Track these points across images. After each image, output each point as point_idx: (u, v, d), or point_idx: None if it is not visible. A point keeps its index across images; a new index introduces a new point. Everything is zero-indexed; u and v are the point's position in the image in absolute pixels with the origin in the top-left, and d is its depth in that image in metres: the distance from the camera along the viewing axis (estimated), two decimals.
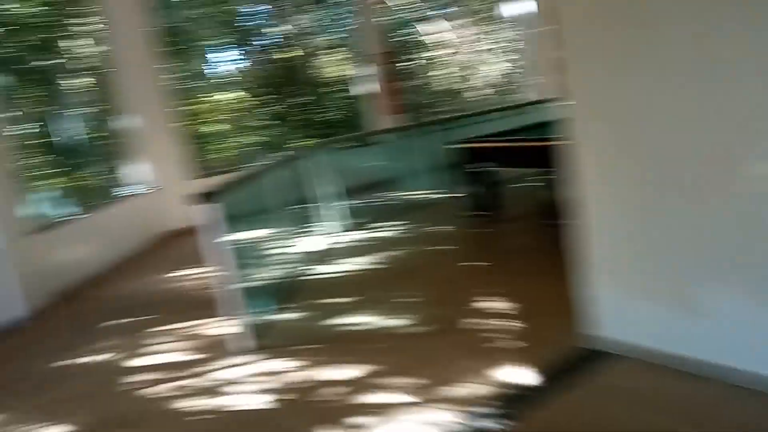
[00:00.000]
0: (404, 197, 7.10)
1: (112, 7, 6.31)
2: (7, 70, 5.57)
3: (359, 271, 4.76)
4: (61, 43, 6.24)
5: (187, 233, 6.91)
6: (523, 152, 5.01)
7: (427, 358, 2.98)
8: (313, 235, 5.45)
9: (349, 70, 10.22)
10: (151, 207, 6.75)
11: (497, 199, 5.67)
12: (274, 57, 10.93)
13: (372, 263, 4.90)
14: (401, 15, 11.37)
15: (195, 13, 8.59)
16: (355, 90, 8.92)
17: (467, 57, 11.95)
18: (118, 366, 3.52)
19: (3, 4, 5.86)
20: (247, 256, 3.73)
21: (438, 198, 6.81)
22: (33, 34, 6.11)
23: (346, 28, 10.80)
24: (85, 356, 3.75)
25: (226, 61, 10.90)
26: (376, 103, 8.50)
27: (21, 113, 5.99)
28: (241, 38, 10.29)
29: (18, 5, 6.05)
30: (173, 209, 6.90)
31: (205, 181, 7.34)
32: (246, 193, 3.68)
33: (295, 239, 4.75)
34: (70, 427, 2.85)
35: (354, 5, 8.85)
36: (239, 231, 3.53)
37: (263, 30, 10.70)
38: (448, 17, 11.79)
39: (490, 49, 12.03)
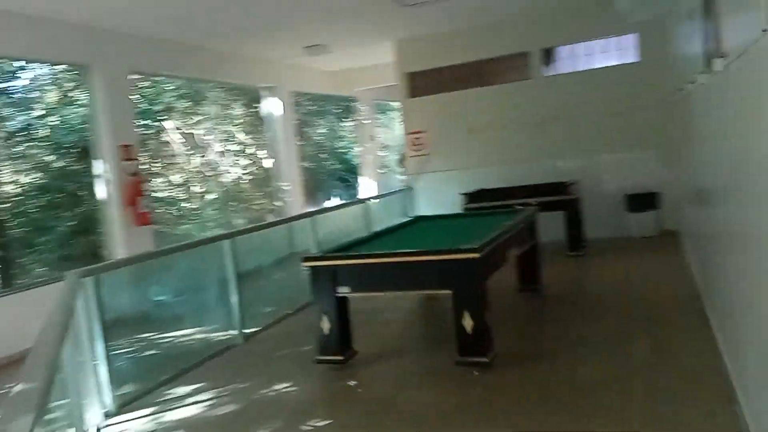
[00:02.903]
0: (186, 339, 5.17)
1: None
2: None
3: None
4: None
5: None
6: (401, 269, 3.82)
7: None
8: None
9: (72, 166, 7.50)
10: None
11: (348, 334, 4.20)
12: None
13: None
14: (149, 102, 9.52)
15: None
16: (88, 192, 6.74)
17: (211, 158, 10.43)
18: None
19: None
20: None
21: (231, 338, 4.95)
22: None
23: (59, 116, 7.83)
24: None
25: None
26: (114, 211, 6.53)
27: None
28: None
29: None
30: None
31: None
32: None
33: None
34: None
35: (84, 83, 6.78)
36: None
37: None
38: (195, 112, 10.33)
39: (237, 150, 10.81)
